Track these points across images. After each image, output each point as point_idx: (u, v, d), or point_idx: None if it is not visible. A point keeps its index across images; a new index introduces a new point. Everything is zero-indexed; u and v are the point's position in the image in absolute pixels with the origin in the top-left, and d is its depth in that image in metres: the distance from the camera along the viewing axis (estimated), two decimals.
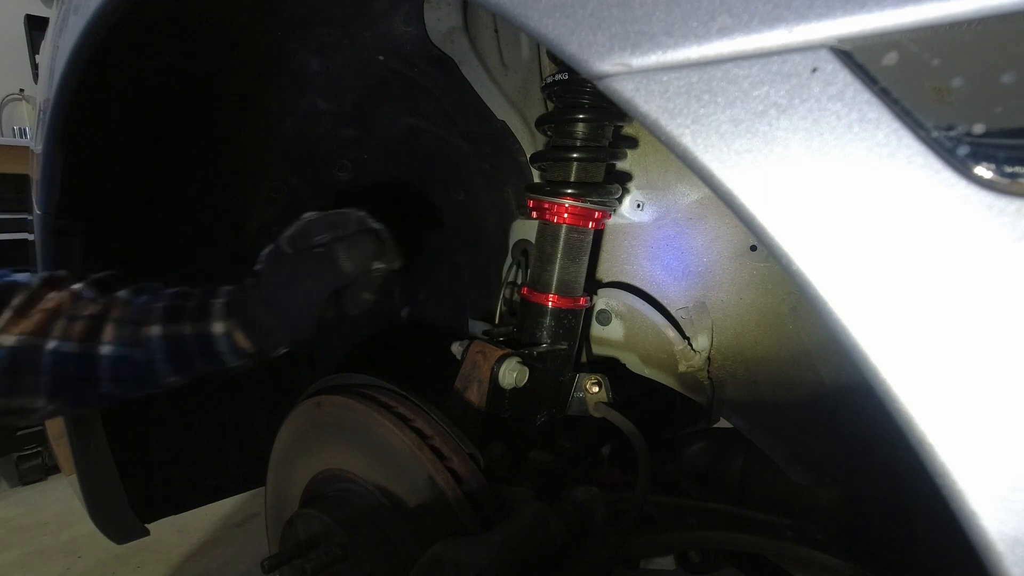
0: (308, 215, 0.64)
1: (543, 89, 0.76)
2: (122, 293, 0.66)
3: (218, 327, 0.62)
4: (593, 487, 0.64)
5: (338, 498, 0.71)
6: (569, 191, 0.72)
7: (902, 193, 0.25)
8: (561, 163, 0.74)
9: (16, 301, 0.60)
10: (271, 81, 0.85)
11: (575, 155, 0.72)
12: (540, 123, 0.79)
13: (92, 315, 0.62)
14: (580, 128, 0.71)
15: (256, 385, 1.16)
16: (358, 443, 0.69)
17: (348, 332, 1.26)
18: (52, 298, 0.62)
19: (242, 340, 0.63)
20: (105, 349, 0.61)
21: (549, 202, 0.73)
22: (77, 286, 0.65)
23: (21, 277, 0.63)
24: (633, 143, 0.79)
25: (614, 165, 0.80)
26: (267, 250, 0.65)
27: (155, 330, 0.62)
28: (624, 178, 0.81)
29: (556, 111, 0.75)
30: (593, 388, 0.79)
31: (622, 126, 0.76)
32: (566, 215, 0.73)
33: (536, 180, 0.92)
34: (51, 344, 0.59)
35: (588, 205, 0.73)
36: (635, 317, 0.82)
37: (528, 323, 0.78)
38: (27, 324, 0.59)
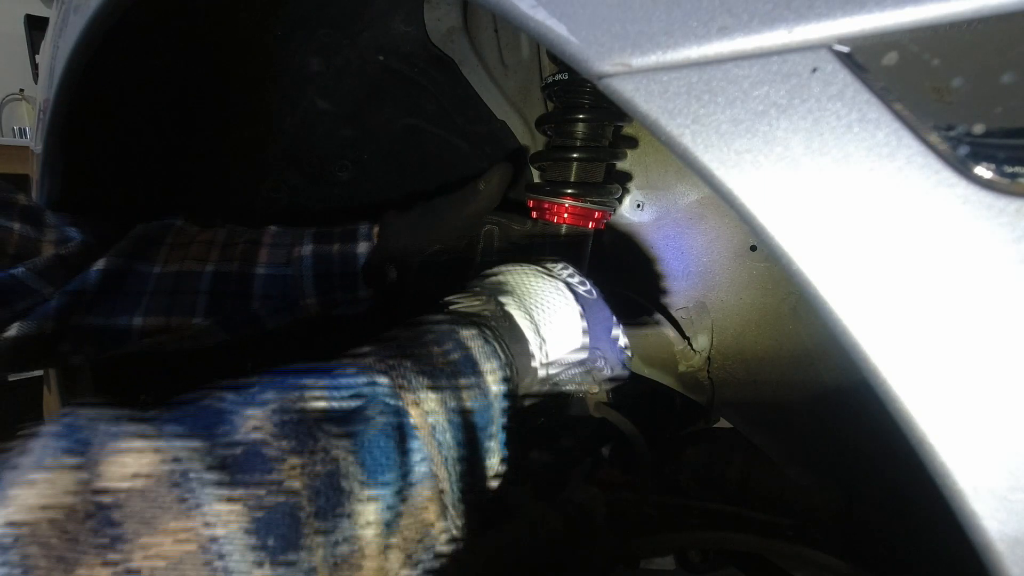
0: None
1: (543, 89, 0.76)
2: (271, 227, 0.70)
3: (362, 247, 0.66)
4: (593, 487, 0.64)
5: None
6: (569, 191, 0.72)
7: (902, 193, 0.25)
8: (561, 163, 0.74)
9: (171, 238, 0.65)
10: (271, 81, 0.85)
11: (575, 155, 0.72)
12: (540, 123, 0.79)
13: (248, 240, 0.67)
14: (580, 128, 0.71)
15: None
16: None
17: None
18: (206, 232, 0.67)
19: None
20: (261, 269, 0.65)
21: (549, 202, 0.74)
22: (227, 225, 0.70)
23: (164, 221, 0.68)
24: (633, 143, 0.79)
25: (614, 165, 0.80)
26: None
27: (307, 249, 0.66)
28: (624, 178, 0.81)
29: (556, 111, 0.76)
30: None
31: (622, 126, 0.76)
32: (566, 215, 0.73)
33: (536, 180, 0.92)
34: (210, 267, 0.64)
35: (588, 205, 0.73)
36: (635, 317, 0.82)
37: None
38: (187, 253, 0.64)
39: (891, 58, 0.25)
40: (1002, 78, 0.23)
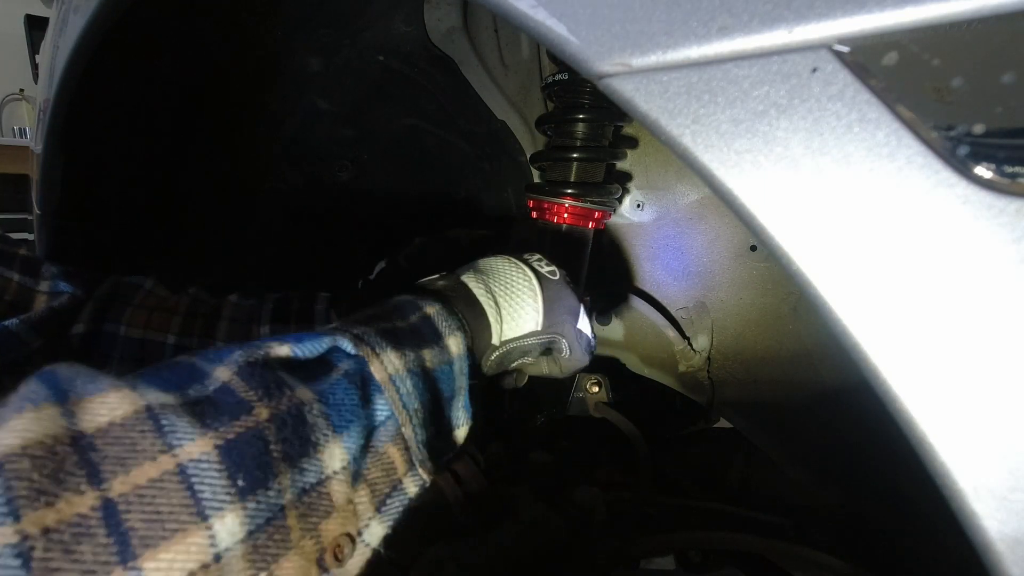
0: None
1: (543, 89, 0.76)
2: (232, 296, 0.70)
3: (319, 328, 0.66)
4: (593, 487, 0.64)
5: None
6: (569, 191, 0.72)
7: (902, 193, 0.25)
8: (561, 163, 0.74)
9: (138, 299, 0.65)
10: (271, 81, 0.85)
11: (575, 155, 0.72)
12: (540, 123, 0.79)
13: (207, 313, 0.66)
14: (580, 128, 0.71)
15: None
16: None
17: None
18: (172, 298, 0.67)
19: None
20: (219, 346, 0.64)
21: (549, 202, 0.74)
22: (192, 290, 0.69)
23: (135, 279, 0.68)
24: (633, 143, 0.79)
25: (614, 165, 0.80)
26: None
27: (264, 328, 0.66)
28: (624, 178, 0.81)
29: (556, 111, 0.76)
30: (593, 388, 0.79)
31: (622, 126, 0.76)
32: (566, 215, 0.73)
33: (536, 180, 0.92)
34: (172, 338, 0.64)
35: (588, 205, 0.73)
36: (635, 317, 0.82)
37: None
38: (151, 319, 0.64)
39: (891, 58, 0.25)
40: (1002, 78, 0.23)
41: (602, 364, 0.86)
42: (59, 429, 0.23)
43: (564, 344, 0.53)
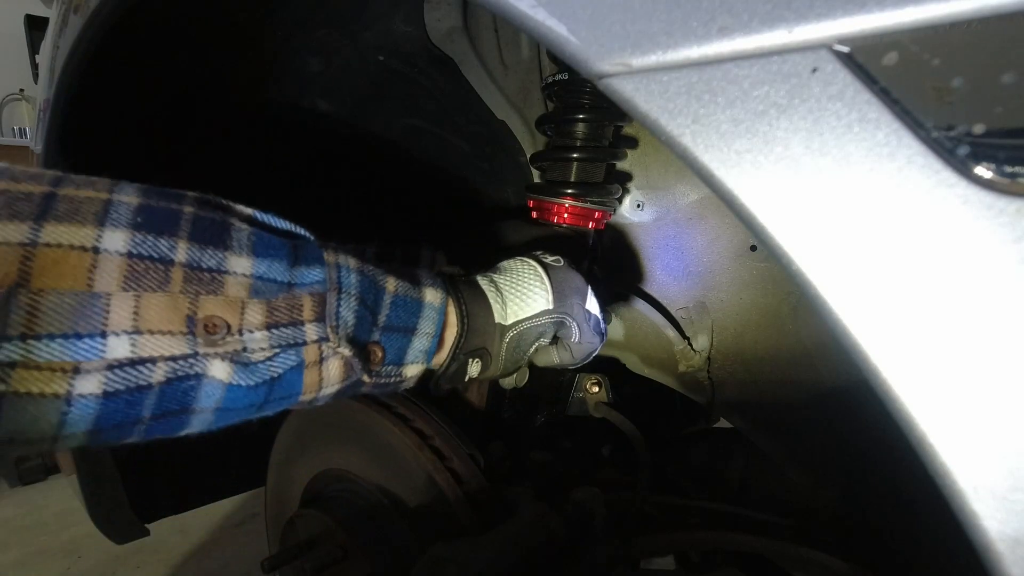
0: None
1: (542, 89, 0.76)
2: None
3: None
4: (593, 487, 0.64)
5: (338, 498, 0.70)
6: (569, 191, 0.72)
7: (902, 193, 0.25)
8: (561, 163, 0.74)
9: None
10: (271, 81, 0.85)
11: (575, 155, 0.72)
12: (540, 123, 0.79)
13: None
14: (580, 128, 0.71)
15: None
16: (358, 443, 0.69)
17: None
18: None
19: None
20: None
21: (549, 202, 0.74)
22: None
23: None
24: (633, 143, 0.79)
25: (614, 165, 0.80)
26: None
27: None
28: (624, 178, 0.81)
29: (556, 111, 0.76)
30: (593, 388, 0.79)
31: (622, 126, 0.76)
32: (566, 215, 0.73)
33: (536, 180, 0.92)
34: None
35: (588, 205, 0.73)
36: (635, 317, 0.82)
37: None
38: None
39: (891, 58, 0.25)
40: (1002, 78, 0.23)
41: (602, 364, 0.86)
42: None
43: (573, 326, 0.55)
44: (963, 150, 0.24)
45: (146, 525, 1.04)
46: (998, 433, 0.24)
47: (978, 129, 0.24)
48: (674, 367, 0.81)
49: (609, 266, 0.85)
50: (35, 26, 2.86)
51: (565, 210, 0.73)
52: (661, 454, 0.91)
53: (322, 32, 0.79)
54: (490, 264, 0.58)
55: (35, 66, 2.74)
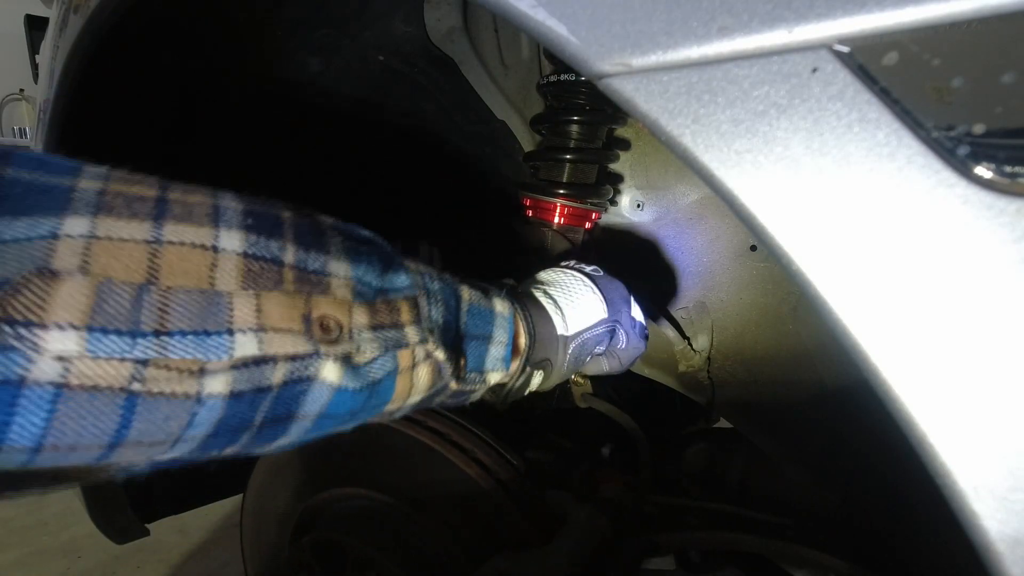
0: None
1: (538, 89, 0.76)
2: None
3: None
4: (620, 483, 0.64)
5: (361, 515, 0.69)
6: (562, 191, 0.72)
7: (902, 193, 0.25)
8: (554, 163, 0.74)
9: None
10: (271, 81, 0.85)
11: (568, 156, 0.72)
12: (535, 123, 0.79)
13: None
14: (574, 129, 0.71)
15: None
16: (391, 460, 0.67)
17: None
18: None
19: None
20: None
21: (544, 201, 0.74)
22: None
23: None
24: (626, 145, 0.79)
25: (607, 166, 0.80)
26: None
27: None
28: (617, 179, 0.81)
29: (550, 111, 0.76)
30: (578, 379, 0.79)
31: (615, 128, 0.76)
32: (561, 216, 0.73)
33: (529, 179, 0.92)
34: None
35: (580, 205, 0.73)
36: None
37: None
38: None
39: (891, 58, 0.25)
40: (1002, 78, 0.23)
41: None
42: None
43: (621, 333, 0.57)
44: (963, 150, 0.24)
45: (146, 525, 1.04)
46: (998, 433, 0.24)
47: (978, 129, 0.24)
48: (674, 367, 0.81)
49: (609, 266, 0.85)
50: (35, 26, 2.87)
51: (564, 210, 0.73)
52: (661, 454, 0.91)
53: (322, 32, 0.79)
54: (498, 268, 0.58)
55: (35, 66, 2.74)
